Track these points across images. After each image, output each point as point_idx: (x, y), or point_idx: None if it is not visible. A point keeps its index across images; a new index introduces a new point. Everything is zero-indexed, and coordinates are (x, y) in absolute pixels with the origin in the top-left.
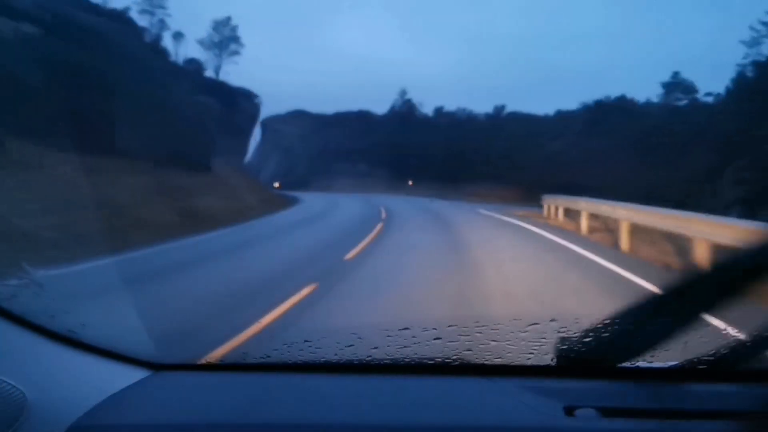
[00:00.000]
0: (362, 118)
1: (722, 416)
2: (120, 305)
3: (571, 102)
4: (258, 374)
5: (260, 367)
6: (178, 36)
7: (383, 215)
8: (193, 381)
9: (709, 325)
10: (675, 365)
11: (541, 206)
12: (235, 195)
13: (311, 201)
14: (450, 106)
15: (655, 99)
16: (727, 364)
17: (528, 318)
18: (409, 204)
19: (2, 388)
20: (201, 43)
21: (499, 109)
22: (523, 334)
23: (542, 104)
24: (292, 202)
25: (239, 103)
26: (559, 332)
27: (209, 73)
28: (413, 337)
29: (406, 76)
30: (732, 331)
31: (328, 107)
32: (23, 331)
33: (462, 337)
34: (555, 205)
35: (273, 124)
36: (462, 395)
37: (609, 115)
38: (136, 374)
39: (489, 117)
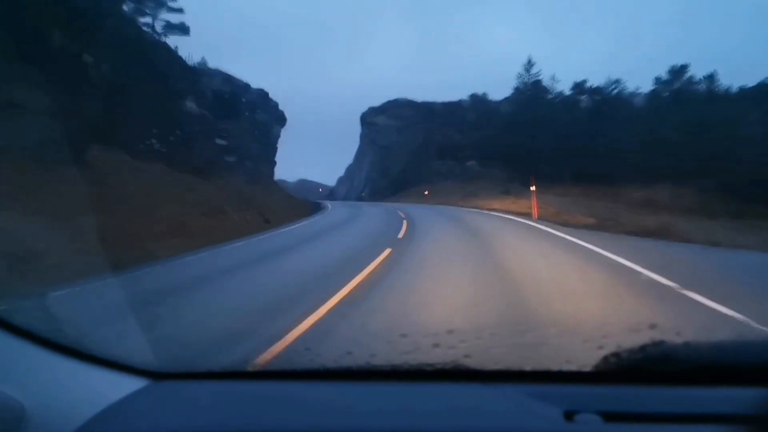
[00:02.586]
0: (476, 104)
1: (723, 420)
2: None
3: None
4: (257, 382)
5: (260, 375)
6: None
7: None
8: (192, 389)
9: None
10: (679, 369)
11: None
12: None
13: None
14: (594, 81)
15: None
16: (730, 366)
17: (527, 324)
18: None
19: (1, 398)
20: None
21: (675, 74)
22: (522, 340)
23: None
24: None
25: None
26: (558, 338)
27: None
28: (413, 343)
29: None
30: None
31: (436, 96)
32: (22, 342)
33: (461, 343)
34: None
35: (369, 117)
36: (461, 401)
37: None
38: (136, 383)
39: (660, 84)
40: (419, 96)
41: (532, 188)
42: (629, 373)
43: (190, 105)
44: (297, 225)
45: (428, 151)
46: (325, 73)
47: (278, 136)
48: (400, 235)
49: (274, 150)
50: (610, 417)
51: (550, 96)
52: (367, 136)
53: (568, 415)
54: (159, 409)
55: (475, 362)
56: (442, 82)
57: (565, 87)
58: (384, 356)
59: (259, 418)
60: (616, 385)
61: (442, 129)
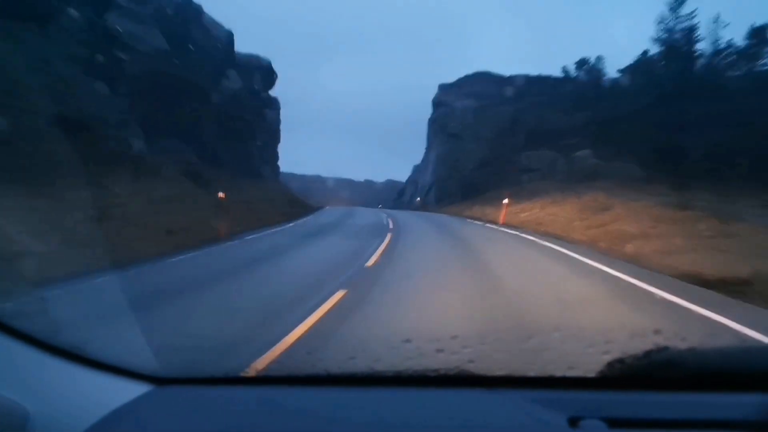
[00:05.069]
0: (586, 74)
1: (729, 426)
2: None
3: None
4: (261, 387)
5: (263, 380)
6: None
7: None
8: (195, 395)
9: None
10: (683, 374)
11: None
12: None
13: None
14: None
15: None
16: (735, 372)
17: (530, 330)
18: None
19: (4, 403)
20: None
21: None
22: (526, 345)
23: None
24: None
25: None
26: (563, 343)
27: None
28: (417, 348)
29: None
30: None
31: (530, 69)
32: (26, 347)
33: (465, 349)
34: None
35: (442, 96)
36: (465, 407)
37: None
38: (139, 388)
39: None
40: (505, 70)
41: None
42: (634, 379)
43: None
44: None
45: (515, 138)
46: (408, 69)
47: (263, 102)
48: None
49: (236, 119)
50: (614, 423)
51: (706, 52)
52: (435, 122)
53: (573, 422)
54: (162, 415)
55: (478, 368)
56: (538, 59)
57: (735, 36)
58: (387, 361)
59: (262, 423)
60: (621, 391)
61: (536, 108)
